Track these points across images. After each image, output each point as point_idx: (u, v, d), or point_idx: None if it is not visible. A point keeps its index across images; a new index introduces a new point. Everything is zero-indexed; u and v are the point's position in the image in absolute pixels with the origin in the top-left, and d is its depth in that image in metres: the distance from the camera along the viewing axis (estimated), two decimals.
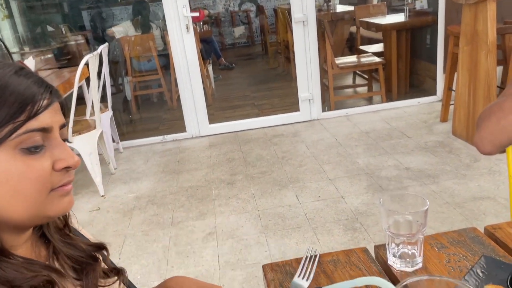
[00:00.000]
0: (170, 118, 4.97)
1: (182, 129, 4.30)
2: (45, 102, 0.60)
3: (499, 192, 2.68)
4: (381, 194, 2.81)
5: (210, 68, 5.73)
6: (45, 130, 0.60)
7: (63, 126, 0.64)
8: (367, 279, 0.41)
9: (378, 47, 5.14)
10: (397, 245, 0.86)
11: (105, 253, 0.76)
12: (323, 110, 4.35)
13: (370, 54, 4.78)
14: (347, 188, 2.96)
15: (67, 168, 0.62)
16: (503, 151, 1.19)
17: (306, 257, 0.90)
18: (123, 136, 4.33)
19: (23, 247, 0.65)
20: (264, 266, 0.92)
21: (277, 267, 0.92)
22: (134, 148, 4.18)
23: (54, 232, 0.70)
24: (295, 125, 4.25)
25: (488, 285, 0.71)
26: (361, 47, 5.27)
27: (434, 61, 4.42)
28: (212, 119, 4.33)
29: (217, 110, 4.98)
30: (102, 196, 3.25)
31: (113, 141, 3.92)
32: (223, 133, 4.26)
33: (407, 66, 4.81)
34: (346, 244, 2.35)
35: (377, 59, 4.54)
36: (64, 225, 0.72)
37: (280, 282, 0.87)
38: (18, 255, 0.60)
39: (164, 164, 3.73)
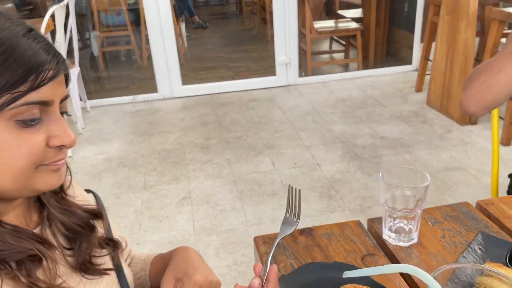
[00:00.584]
0: (140, 78, 4.78)
1: (154, 89, 4.14)
2: (50, 73, 0.54)
3: (470, 163, 2.75)
4: (356, 162, 2.83)
5: (183, 26, 5.51)
6: (45, 104, 0.55)
7: (65, 98, 0.59)
8: (396, 266, 0.37)
9: (357, 12, 5.06)
10: (394, 219, 0.84)
11: (103, 222, 0.72)
12: (300, 76, 4.29)
13: (349, 19, 4.70)
14: (323, 155, 2.95)
15: (61, 146, 0.58)
16: (488, 112, 1.17)
17: (289, 197, 0.83)
18: (91, 94, 4.14)
19: (14, 212, 0.61)
20: (255, 239, 0.88)
21: (269, 239, 0.88)
22: (102, 108, 4.01)
23: (50, 196, 0.66)
24: (271, 90, 4.17)
25: (487, 263, 0.70)
26: (339, 12, 5.17)
27: (411, 30, 4.40)
28: (185, 80, 4.19)
29: (190, 71, 4.83)
30: (70, 157, 3.11)
31: (80, 99, 3.74)
32: (196, 95, 4.15)
33: (385, 34, 4.78)
34: (321, 211, 2.36)
35: (356, 25, 4.47)
36: (60, 189, 0.68)
37: (274, 255, 0.83)
38: (6, 222, 0.57)
39: (135, 126, 3.60)
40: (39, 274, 0.58)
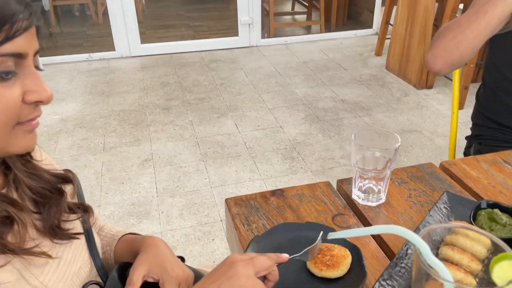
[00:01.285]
0: (96, 35, 4.55)
1: (110, 47, 3.96)
2: (24, 23, 0.51)
3: (425, 126, 2.86)
4: (318, 125, 2.87)
5: None
6: (19, 56, 0.52)
7: (37, 52, 0.56)
8: (384, 227, 0.37)
9: None
10: (364, 180, 0.86)
11: (73, 186, 0.69)
12: (262, 37, 4.22)
13: None
14: (285, 118, 2.97)
15: (38, 102, 0.55)
16: (451, 72, 1.21)
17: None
18: (43, 51, 3.90)
19: None
20: (227, 200, 0.88)
21: (241, 201, 0.88)
22: (55, 66, 3.80)
23: (16, 159, 0.63)
24: (233, 51, 4.10)
25: (452, 221, 0.73)
26: None
27: None
28: (144, 38, 4.02)
29: (149, 29, 4.64)
30: None
31: None
32: (156, 55, 4.01)
33: None
34: (284, 173, 2.40)
35: None
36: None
37: (246, 216, 0.84)
38: None
39: (92, 85, 3.45)
40: (9, 237, 0.55)
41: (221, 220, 2.08)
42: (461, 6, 3.17)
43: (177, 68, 3.75)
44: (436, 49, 1.10)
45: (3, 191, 0.60)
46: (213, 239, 1.97)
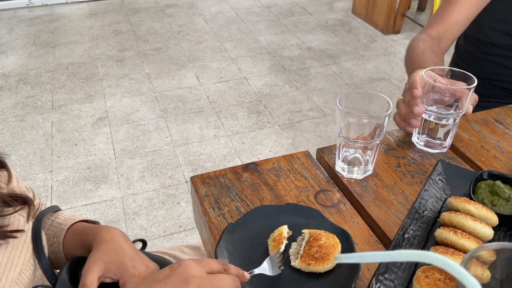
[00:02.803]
0: None
1: None
2: None
3: (393, 73, 2.78)
4: (284, 75, 2.73)
5: None
6: None
7: None
8: (412, 254, 0.27)
9: None
10: (350, 150, 0.75)
11: (7, 173, 0.55)
12: None
13: None
14: (249, 68, 2.81)
15: None
16: None
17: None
18: None
19: None
20: (192, 179, 0.76)
21: (209, 179, 0.76)
22: None
23: None
24: None
25: (452, 198, 0.64)
26: None
27: None
28: None
29: None
30: None
31: None
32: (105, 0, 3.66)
33: None
34: (251, 128, 2.28)
35: None
36: None
37: (216, 198, 0.72)
38: None
39: (34, 35, 3.12)
40: None
41: (185, 182, 1.96)
42: None
43: (130, 15, 3.44)
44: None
45: None
46: (178, 203, 1.86)
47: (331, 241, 0.61)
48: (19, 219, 0.60)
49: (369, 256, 0.38)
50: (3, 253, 0.54)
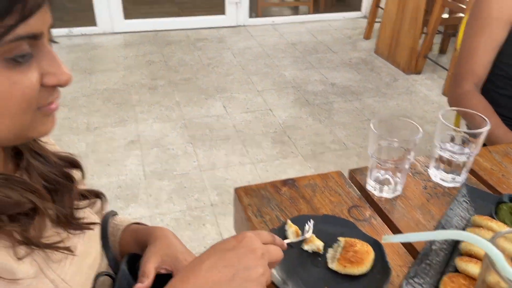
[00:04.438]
0: (76, 8, 4.35)
1: (92, 22, 3.80)
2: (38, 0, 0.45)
3: (415, 112, 2.86)
4: (308, 109, 2.83)
5: None
6: (35, 37, 0.46)
7: (51, 27, 0.49)
8: (449, 233, 0.34)
9: None
10: (381, 171, 0.82)
11: (81, 171, 0.64)
12: (250, 16, 4.13)
13: None
14: (275, 100, 2.92)
15: (56, 86, 0.50)
16: None
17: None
18: None
19: None
20: (237, 190, 0.84)
21: (251, 191, 0.84)
22: None
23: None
24: (220, 30, 3.99)
25: (475, 216, 0.71)
26: None
27: None
28: (127, 14, 3.87)
29: (131, 4, 4.47)
30: None
31: None
32: (140, 32, 3.87)
33: None
34: (275, 157, 2.37)
35: None
36: None
37: (258, 207, 0.80)
38: None
39: (73, 62, 3.31)
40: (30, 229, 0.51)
41: (211, 205, 2.03)
42: None
43: (162, 47, 3.63)
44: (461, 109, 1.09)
45: None
46: (203, 224, 1.93)
47: (365, 247, 0.67)
48: (89, 214, 0.69)
49: (413, 236, 0.45)
50: (82, 243, 0.63)
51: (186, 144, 2.44)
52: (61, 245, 0.55)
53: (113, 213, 0.82)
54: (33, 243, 0.51)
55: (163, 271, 0.68)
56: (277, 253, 0.55)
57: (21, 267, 0.50)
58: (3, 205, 0.48)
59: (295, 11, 4.64)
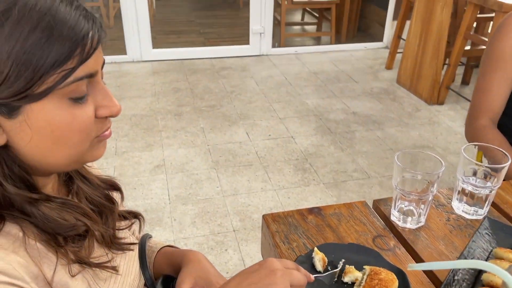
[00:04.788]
0: (108, 38, 4.54)
1: (122, 51, 3.96)
2: (94, 41, 0.51)
3: (437, 142, 2.86)
4: (329, 137, 2.87)
5: None
6: (91, 76, 0.52)
7: (103, 64, 0.56)
8: (470, 262, 0.37)
9: None
10: (405, 202, 0.85)
11: (120, 194, 0.70)
12: (273, 46, 4.24)
13: None
14: (297, 128, 2.97)
15: (108, 117, 0.57)
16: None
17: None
18: None
19: (50, 185, 0.60)
20: (265, 216, 0.88)
21: (278, 218, 0.88)
22: None
23: None
24: (244, 59, 4.11)
25: (497, 249, 0.73)
26: None
27: (385, 7, 4.43)
28: (155, 43, 4.03)
29: (160, 34, 4.65)
30: None
31: None
32: (167, 60, 4.01)
33: (358, 9, 4.78)
34: (296, 184, 2.40)
35: None
36: None
37: (286, 234, 0.83)
38: (54, 196, 0.56)
39: None
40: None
41: (233, 230, 2.07)
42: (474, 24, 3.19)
43: (188, 75, 3.75)
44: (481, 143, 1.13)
45: None
46: (226, 250, 1.96)
47: (389, 276, 0.70)
48: (128, 235, 0.74)
49: (436, 265, 0.48)
50: (124, 262, 0.67)
51: (210, 170, 2.50)
52: (108, 264, 0.60)
53: (149, 236, 0.87)
54: (85, 262, 0.56)
55: None
56: (299, 278, 0.58)
57: (74, 284, 0.55)
58: (61, 227, 0.54)
59: (317, 41, 4.74)
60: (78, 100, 0.51)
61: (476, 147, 0.94)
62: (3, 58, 0.46)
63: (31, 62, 0.47)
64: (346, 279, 0.72)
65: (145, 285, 0.76)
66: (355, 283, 0.71)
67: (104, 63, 0.56)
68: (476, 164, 0.87)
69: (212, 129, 2.92)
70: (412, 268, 0.48)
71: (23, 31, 0.46)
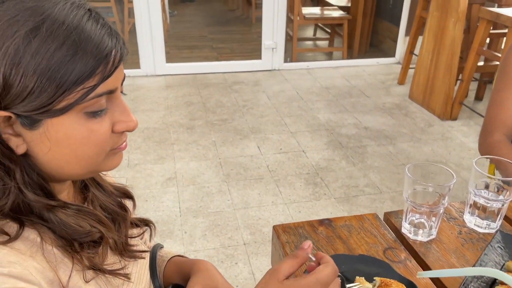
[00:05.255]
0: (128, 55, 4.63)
1: (136, 65, 4.03)
2: (116, 59, 0.52)
3: (451, 158, 2.83)
4: (341, 151, 2.86)
5: (166, 1, 5.36)
6: (111, 92, 0.54)
7: (124, 79, 0.58)
8: (479, 270, 0.37)
9: (342, 0, 5.07)
10: (416, 214, 0.85)
11: (133, 201, 0.71)
12: (285, 61, 4.27)
13: (336, 7, 4.70)
14: (308, 142, 2.97)
15: (125, 131, 0.58)
16: None
17: None
18: None
19: (65, 191, 0.62)
20: (275, 227, 0.88)
21: (289, 229, 0.88)
22: None
23: None
24: (256, 73, 4.14)
25: (509, 262, 0.72)
26: None
27: (397, 23, 4.45)
28: (168, 58, 4.09)
29: (173, 49, 4.72)
30: None
31: None
32: (180, 74, 4.06)
33: (370, 25, 4.81)
34: (307, 198, 2.39)
35: (344, 14, 4.47)
36: None
37: (296, 244, 0.83)
38: (70, 203, 0.57)
39: None
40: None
41: (244, 244, 2.06)
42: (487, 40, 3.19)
43: (201, 89, 3.79)
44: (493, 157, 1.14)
45: None
46: (236, 263, 1.96)
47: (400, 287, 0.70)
48: (140, 243, 0.75)
49: (446, 272, 0.48)
50: (135, 269, 0.68)
51: (221, 183, 2.50)
52: (121, 272, 0.60)
53: (160, 246, 0.87)
54: (99, 269, 0.57)
55: None
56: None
57: None
58: (77, 233, 0.55)
59: (329, 56, 4.77)
60: (96, 114, 0.53)
61: (488, 160, 0.93)
62: (29, 74, 0.48)
63: (55, 78, 0.48)
64: None
65: None
66: None
67: (124, 78, 0.58)
68: (489, 177, 0.86)
69: (223, 142, 2.94)
70: (421, 275, 0.48)
71: (50, 48, 0.48)
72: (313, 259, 0.60)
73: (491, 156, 0.93)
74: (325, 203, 2.36)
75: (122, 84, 0.58)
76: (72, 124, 0.52)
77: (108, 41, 0.51)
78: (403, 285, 0.71)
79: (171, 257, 0.86)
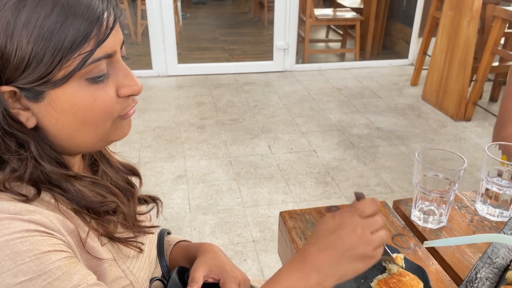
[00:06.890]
0: (134, 53, 4.68)
1: (148, 66, 4.06)
2: (110, 21, 0.52)
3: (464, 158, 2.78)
4: (352, 151, 2.84)
5: (179, 4, 5.40)
6: (109, 56, 0.53)
7: (123, 43, 0.57)
8: (489, 236, 0.36)
9: (355, 2, 5.05)
10: (426, 201, 0.83)
11: (139, 179, 0.72)
12: (297, 62, 4.26)
13: (349, 9, 4.68)
14: (319, 142, 2.95)
15: (130, 95, 0.58)
16: None
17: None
18: None
19: (77, 165, 0.62)
20: (282, 213, 0.87)
21: (296, 215, 0.87)
22: None
23: None
24: (267, 75, 4.14)
25: None
26: (338, 0, 5.15)
27: (410, 24, 4.41)
28: (180, 59, 4.12)
29: (185, 50, 4.75)
30: None
31: None
32: (191, 75, 4.08)
33: (383, 26, 4.78)
34: (318, 197, 2.37)
35: (356, 15, 4.45)
36: None
37: (302, 230, 0.82)
38: (85, 175, 0.58)
39: None
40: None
41: (253, 241, 2.05)
42: (502, 40, 3.14)
43: (212, 89, 3.80)
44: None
45: None
46: (245, 260, 1.94)
47: (413, 282, 0.66)
48: (148, 218, 0.75)
49: (452, 240, 0.46)
50: (146, 244, 0.68)
51: (231, 181, 2.50)
52: (134, 242, 0.61)
53: (168, 231, 0.87)
54: (113, 237, 0.57)
55: (210, 280, 0.72)
56: (375, 224, 0.55)
57: (104, 251, 0.57)
58: (94, 202, 0.56)
59: (341, 58, 4.75)
60: (97, 79, 0.53)
61: (500, 150, 0.91)
62: (23, 45, 0.48)
63: (49, 46, 0.48)
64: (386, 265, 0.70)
65: (161, 276, 0.76)
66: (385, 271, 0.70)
67: (123, 42, 0.58)
68: (502, 163, 0.84)
69: (234, 141, 2.93)
70: (428, 245, 0.46)
71: (40, 16, 0.48)
72: None
73: (504, 143, 0.91)
74: (335, 202, 2.33)
75: (122, 48, 0.57)
76: (75, 92, 0.52)
77: (98, 3, 0.51)
78: (420, 282, 0.68)
79: (177, 242, 0.86)
